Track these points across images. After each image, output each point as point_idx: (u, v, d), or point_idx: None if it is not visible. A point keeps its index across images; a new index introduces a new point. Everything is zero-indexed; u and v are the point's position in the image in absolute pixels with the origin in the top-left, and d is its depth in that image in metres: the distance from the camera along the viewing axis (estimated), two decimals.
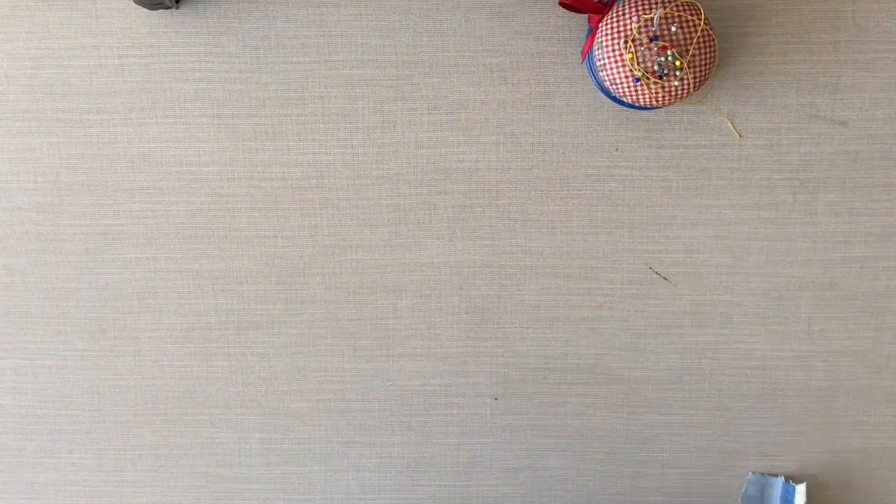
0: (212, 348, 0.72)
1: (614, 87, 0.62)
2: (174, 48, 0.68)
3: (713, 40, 0.61)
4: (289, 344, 0.71)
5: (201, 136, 0.68)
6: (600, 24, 0.62)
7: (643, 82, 0.60)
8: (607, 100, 0.67)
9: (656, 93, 0.61)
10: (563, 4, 0.63)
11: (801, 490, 0.69)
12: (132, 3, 0.66)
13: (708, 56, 0.61)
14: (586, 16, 0.66)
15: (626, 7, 0.60)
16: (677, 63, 0.59)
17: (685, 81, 0.60)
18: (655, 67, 0.60)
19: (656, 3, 0.60)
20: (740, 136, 0.66)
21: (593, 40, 0.63)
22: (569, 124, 0.68)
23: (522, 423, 0.73)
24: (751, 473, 0.70)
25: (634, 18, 0.60)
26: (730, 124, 0.67)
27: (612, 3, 0.63)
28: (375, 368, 0.71)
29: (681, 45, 0.60)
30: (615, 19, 0.61)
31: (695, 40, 0.60)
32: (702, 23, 0.60)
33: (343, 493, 0.74)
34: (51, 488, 0.70)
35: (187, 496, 0.75)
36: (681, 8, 0.59)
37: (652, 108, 0.64)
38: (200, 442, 0.74)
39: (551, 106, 0.67)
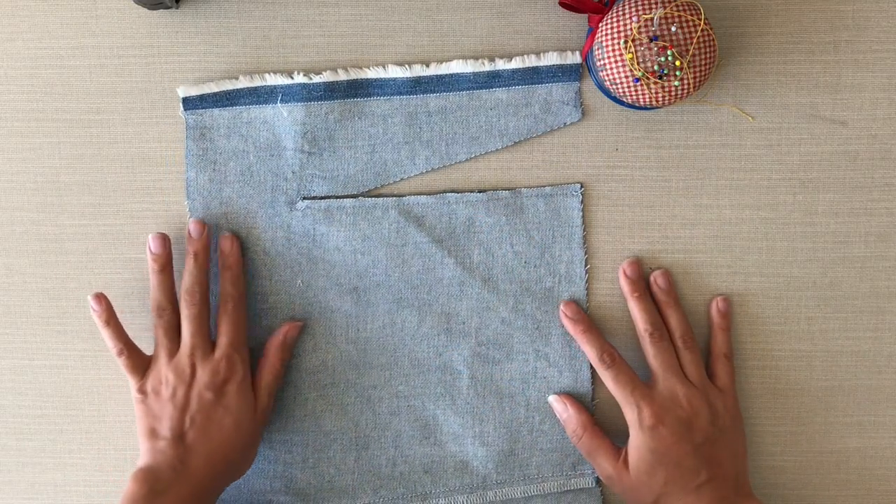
0: None
1: (614, 87, 0.62)
2: (174, 48, 0.68)
3: (713, 40, 0.61)
4: None
5: None
6: (600, 24, 0.62)
7: (643, 82, 0.60)
8: (607, 100, 0.67)
9: (656, 93, 0.61)
10: (563, 4, 0.63)
11: None
12: (132, 3, 0.66)
13: (708, 56, 0.61)
14: (586, 16, 0.66)
15: (626, 7, 0.60)
16: (677, 63, 0.59)
17: (685, 81, 0.60)
18: (655, 67, 0.60)
19: (656, 3, 0.60)
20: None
21: (593, 40, 0.63)
22: (569, 124, 0.68)
23: None
24: None
25: (634, 18, 0.60)
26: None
27: (612, 3, 0.63)
28: None
29: (681, 45, 0.60)
30: (615, 19, 0.61)
31: (695, 40, 0.60)
32: (702, 23, 0.60)
33: None
34: (51, 488, 0.70)
35: None
36: (681, 8, 0.59)
37: (652, 108, 0.64)
38: None
39: None
